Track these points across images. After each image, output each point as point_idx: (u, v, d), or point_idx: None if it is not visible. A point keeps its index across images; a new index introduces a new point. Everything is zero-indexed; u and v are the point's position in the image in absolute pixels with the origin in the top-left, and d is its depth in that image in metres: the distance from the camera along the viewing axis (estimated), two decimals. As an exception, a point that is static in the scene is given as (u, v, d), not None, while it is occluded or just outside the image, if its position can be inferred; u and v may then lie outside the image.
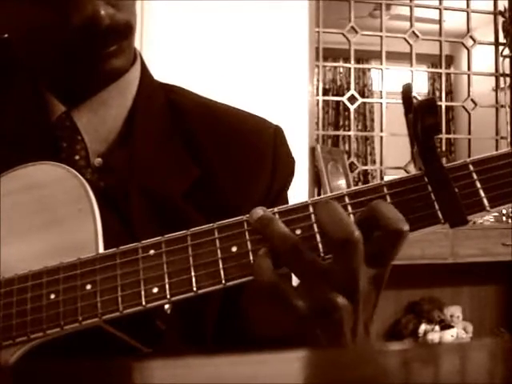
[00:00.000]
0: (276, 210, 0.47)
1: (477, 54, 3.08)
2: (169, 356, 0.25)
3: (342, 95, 3.09)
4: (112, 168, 0.60)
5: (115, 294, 0.46)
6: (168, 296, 0.46)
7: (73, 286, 0.48)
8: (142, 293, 0.46)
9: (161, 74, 0.72)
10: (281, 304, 0.45)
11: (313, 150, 2.58)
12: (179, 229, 0.48)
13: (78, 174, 0.53)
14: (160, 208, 0.58)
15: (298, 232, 0.45)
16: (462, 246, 2.57)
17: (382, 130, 2.93)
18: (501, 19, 3.01)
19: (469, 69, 3.05)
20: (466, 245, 2.58)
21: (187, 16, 2.42)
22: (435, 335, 2.82)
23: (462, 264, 2.62)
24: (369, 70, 4.34)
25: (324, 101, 3.07)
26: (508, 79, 3.02)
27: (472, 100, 3.04)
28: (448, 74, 3.85)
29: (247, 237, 0.46)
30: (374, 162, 4.20)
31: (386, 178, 0.47)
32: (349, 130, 3.39)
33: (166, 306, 0.52)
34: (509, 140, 2.98)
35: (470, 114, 3.05)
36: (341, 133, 4.16)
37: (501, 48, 3.03)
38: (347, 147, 3.82)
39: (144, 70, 0.65)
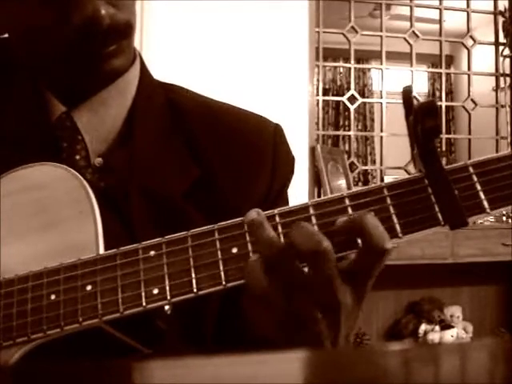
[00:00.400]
0: (276, 211, 0.46)
1: (477, 53, 3.08)
2: (169, 356, 0.25)
3: (342, 95, 3.10)
4: (112, 168, 0.60)
5: (115, 294, 0.46)
6: (168, 297, 0.46)
7: (73, 287, 0.48)
8: (143, 294, 0.46)
9: (161, 73, 0.72)
10: (264, 307, 0.45)
11: (313, 150, 2.58)
12: (179, 229, 0.48)
13: (78, 174, 0.53)
14: (160, 208, 0.58)
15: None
16: (462, 246, 2.57)
17: (382, 130, 2.93)
18: (501, 19, 3.01)
19: (469, 69, 3.05)
20: (466, 245, 2.58)
21: (187, 16, 2.42)
22: (435, 335, 2.82)
23: (462, 264, 2.62)
24: (369, 69, 4.34)
25: (324, 101, 3.07)
26: (508, 79, 3.02)
27: (472, 100, 3.04)
28: (448, 74, 3.85)
29: (248, 238, 0.46)
30: (373, 162, 4.20)
31: (386, 178, 0.47)
32: (349, 129, 3.39)
33: (166, 307, 0.52)
34: (509, 140, 2.98)
35: (470, 114, 3.05)
36: (341, 133, 4.16)
37: (501, 48, 3.03)
38: (347, 147, 3.82)
39: (143, 69, 0.65)
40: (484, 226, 2.70)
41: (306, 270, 0.45)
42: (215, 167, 0.61)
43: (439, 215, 0.44)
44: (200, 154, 0.62)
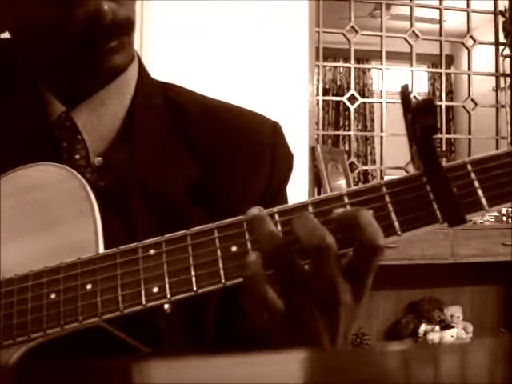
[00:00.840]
0: (275, 209, 0.47)
1: (477, 53, 3.08)
2: (169, 356, 0.25)
3: (342, 95, 3.10)
4: (112, 167, 0.60)
5: (115, 293, 0.46)
6: (168, 295, 0.46)
7: (73, 286, 0.48)
8: (142, 292, 0.46)
9: (161, 73, 0.72)
10: (258, 303, 0.45)
11: (313, 150, 2.58)
12: (179, 227, 0.48)
13: (78, 174, 0.53)
14: (160, 207, 0.58)
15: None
16: (462, 246, 2.57)
17: (382, 130, 2.93)
18: (501, 19, 3.01)
19: (469, 69, 3.05)
20: (467, 245, 2.58)
21: (187, 16, 2.42)
22: (435, 335, 2.82)
23: (462, 264, 2.62)
24: (369, 69, 4.34)
25: (324, 101, 3.08)
26: (508, 79, 3.02)
27: (472, 100, 3.04)
28: (448, 74, 3.85)
29: (247, 236, 0.46)
30: (374, 162, 4.20)
31: (386, 178, 0.47)
32: (349, 129, 3.40)
33: (166, 306, 0.52)
34: (509, 140, 2.98)
35: (470, 114, 3.05)
36: (341, 133, 4.16)
37: (501, 48, 3.03)
38: (347, 147, 3.82)
39: (141, 68, 0.65)
40: (484, 226, 2.70)
41: (306, 267, 0.45)
42: (214, 165, 0.62)
43: (438, 213, 0.44)
44: (199, 153, 0.62)
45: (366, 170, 4.02)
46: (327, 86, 4.20)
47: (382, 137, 2.93)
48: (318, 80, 2.84)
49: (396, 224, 0.45)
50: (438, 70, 3.21)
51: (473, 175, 0.45)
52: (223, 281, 0.45)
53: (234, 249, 0.46)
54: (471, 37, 3.03)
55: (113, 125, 0.60)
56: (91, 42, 0.54)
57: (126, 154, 0.60)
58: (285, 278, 0.45)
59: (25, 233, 0.52)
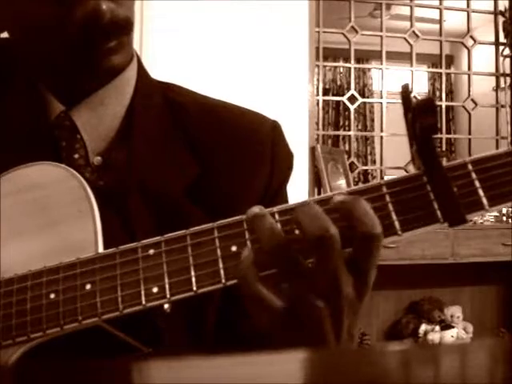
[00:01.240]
0: (275, 209, 0.46)
1: (477, 53, 3.08)
2: (169, 356, 0.25)
3: (342, 95, 3.10)
4: (111, 167, 0.60)
5: (115, 293, 0.46)
6: (168, 295, 0.46)
7: (72, 286, 0.47)
8: (142, 292, 0.46)
9: (161, 73, 0.72)
10: (256, 303, 0.45)
11: (313, 150, 2.58)
12: (179, 227, 0.48)
13: (77, 174, 0.53)
14: (159, 206, 0.58)
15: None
16: (462, 246, 2.57)
17: (382, 130, 2.93)
18: (501, 19, 3.02)
19: (469, 69, 3.05)
20: (467, 245, 2.58)
21: (187, 16, 2.42)
22: (435, 335, 2.82)
23: (463, 264, 2.63)
24: (369, 69, 4.34)
25: (324, 101, 3.08)
26: (508, 79, 3.02)
27: (472, 100, 3.04)
28: (448, 74, 3.85)
29: (247, 236, 0.46)
30: (374, 162, 4.20)
31: (386, 178, 0.47)
32: (349, 129, 3.40)
33: (166, 306, 0.52)
34: (509, 140, 2.98)
35: (470, 114, 3.05)
36: (341, 133, 4.16)
37: (501, 48, 3.03)
38: (347, 147, 3.82)
39: (141, 68, 0.65)
40: (484, 226, 2.70)
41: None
42: (214, 164, 0.62)
43: (438, 212, 0.44)
44: (199, 152, 0.62)
45: (366, 170, 4.02)
46: (327, 86, 4.21)
47: (381, 137, 2.93)
48: (318, 80, 2.84)
49: (396, 224, 0.45)
50: (438, 70, 3.21)
51: (473, 175, 0.45)
52: (223, 281, 0.45)
53: (234, 248, 0.46)
54: (471, 37, 3.03)
55: (112, 124, 0.60)
56: (90, 42, 0.54)
57: (126, 154, 0.60)
58: (287, 274, 0.45)
59: (24, 232, 0.52)
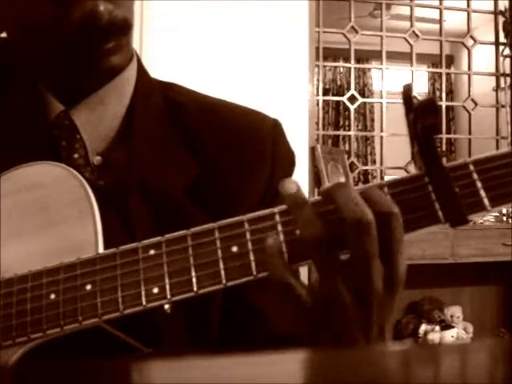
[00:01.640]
0: (276, 210, 0.46)
1: (477, 53, 3.08)
2: (169, 356, 0.25)
3: (342, 95, 3.10)
4: (111, 166, 0.60)
5: (115, 294, 0.46)
6: (168, 296, 0.45)
7: (73, 286, 0.47)
8: (143, 293, 0.46)
9: (161, 73, 0.72)
10: (289, 298, 0.45)
11: (313, 150, 2.58)
12: (179, 227, 0.48)
13: (77, 173, 0.53)
14: (160, 206, 0.58)
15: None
16: (462, 246, 2.57)
17: (382, 130, 2.93)
18: (501, 19, 3.01)
19: (469, 69, 3.05)
20: (466, 245, 2.58)
21: (187, 16, 2.42)
22: (435, 335, 2.82)
23: (463, 264, 2.62)
24: (369, 69, 4.34)
25: (324, 101, 3.07)
26: (508, 79, 3.02)
27: (472, 100, 3.04)
28: (448, 74, 3.85)
29: (248, 237, 0.46)
30: (374, 162, 4.20)
31: (386, 178, 0.47)
32: (349, 129, 3.40)
33: (166, 306, 0.52)
34: (509, 140, 2.98)
35: (470, 114, 3.05)
36: (341, 133, 4.16)
37: (501, 48, 3.03)
38: (347, 147, 3.82)
39: (140, 68, 0.65)
40: (484, 226, 2.70)
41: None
42: (215, 164, 0.62)
43: (439, 213, 0.44)
44: (199, 151, 0.62)
45: (366, 170, 4.02)
46: (327, 86, 4.20)
47: (382, 137, 2.93)
48: (318, 80, 2.84)
49: None
50: (438, 70, 3.21)
51: (475, 175, 0.44)
52: (224, 281, 0.45)
53: (234, 249, 0.46)
54: (471, 37, 3.03)
55: (112, 124, 0.60)
56: (88, 43, 0.54)
57: (126, 154, 0.60)
58: (322, 266, 0.44)
59: (24, 232, 0.52)
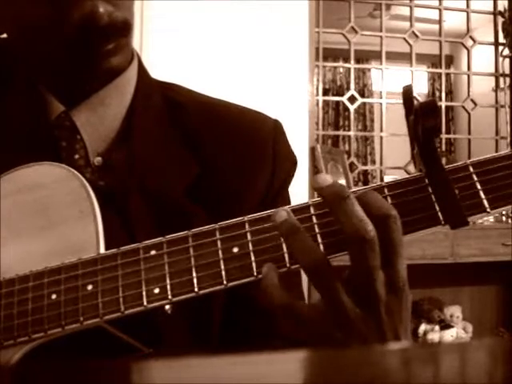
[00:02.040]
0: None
1: (477, 54, 3.08)
2: (169, 356, 0.25)
3: (342, 95, 3.10)
4: (111, 167, 0.60)
5: (116, 294, 0.46)
6: (169, 296, 0.46)
7: (74, 287, 0.48)
8: (144, 293, 0.46)
9: (161, 73, 0.72)
10: (293, 322, 0.44)
11: (313, 150, 2.58)
12: (180, 227, 0.48)
13: (78, 174, 0.53)
14: (160, 206, 0.58)
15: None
16: (462, 246, 2.57)
17: (382, 130, 2.93)
18: (501, 19, 3.01)
19: (469, 69, 3.05)
20: (466, 245, 2.58)
21: (187, 16, 2.42)
22: (435, 335, 2.82)
23: (462, 264, 2.62)
24: (369, 69, 4.34)
25: (324, 101, 3.07)
26: (508, 79, 3.02)
27: (472, 100, 3.04)
28: (448, 74, 3.85)
29: (249, 238, 0.46)
30: (373, 162, 4.20)
31: (386, 178, 0.47)
32: (349, 130, 3.39)
33: (167, 307, 0.52)
34: (509, 140, 2.98)
35: (469, 114, 3.05)
36: (341, 133, 4.16)
37: (501, 48, 3.03)
38: (347, 147, 3.82)
39: (141, 68, 0.65)
40: (484, 226, 2.70)
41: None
42: (215, 164, 0.61)
43: (439, 215, 0.44)
44: (200, 151, 0.62)
45: (366, 170, 4.02)
46: (327, 86, 4.20)
47: (381, 137, 2.93)
48: (317, 80, 2.84)
49: None
50: (438, 70, 3.20)
51: (475, 177, 0.44)
52: (225, 282, 0.45)
53: (235, 250, 0.46)
54: (471, 37, 3.03)
55: (112, 125, 0.60)
56: (88, 44, 0.54)
57: (126, 154, 0.60)
58: (324, 288, 0.44)
59: (25, 233, 0.52)
